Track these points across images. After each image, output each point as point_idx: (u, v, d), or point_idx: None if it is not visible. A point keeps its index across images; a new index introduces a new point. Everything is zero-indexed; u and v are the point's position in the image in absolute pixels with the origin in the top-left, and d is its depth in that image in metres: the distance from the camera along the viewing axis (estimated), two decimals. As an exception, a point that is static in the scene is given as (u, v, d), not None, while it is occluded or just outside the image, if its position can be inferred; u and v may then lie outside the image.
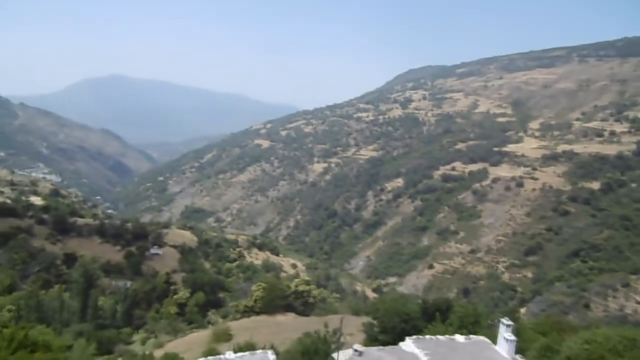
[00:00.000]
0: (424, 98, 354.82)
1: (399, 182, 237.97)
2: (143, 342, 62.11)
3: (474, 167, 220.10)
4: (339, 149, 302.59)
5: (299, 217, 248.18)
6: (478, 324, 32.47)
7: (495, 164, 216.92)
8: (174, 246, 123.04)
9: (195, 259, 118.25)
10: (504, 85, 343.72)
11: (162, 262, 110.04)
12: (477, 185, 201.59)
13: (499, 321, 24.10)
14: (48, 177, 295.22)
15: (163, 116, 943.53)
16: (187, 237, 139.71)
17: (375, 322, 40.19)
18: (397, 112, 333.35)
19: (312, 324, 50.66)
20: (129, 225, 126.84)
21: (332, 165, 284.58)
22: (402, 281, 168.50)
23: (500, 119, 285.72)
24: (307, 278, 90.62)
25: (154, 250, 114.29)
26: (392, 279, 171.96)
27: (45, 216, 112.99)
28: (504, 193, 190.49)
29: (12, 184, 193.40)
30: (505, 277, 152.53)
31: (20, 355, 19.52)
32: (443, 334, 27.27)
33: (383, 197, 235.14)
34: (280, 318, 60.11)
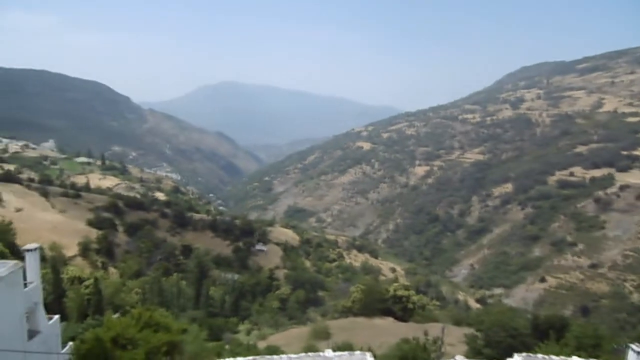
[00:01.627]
0: (539, 97, 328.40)
1: (508, 187, 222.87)
2: (248, 333, 65.82)
3: (596, 172, 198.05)
4: (442, 151, 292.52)
5: (399, 220, 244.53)
6: (599, 347, 29.24)
7: (624, 169, 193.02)
8: (277, 243, 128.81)
9: (297, 257, 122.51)
10: (637, 80, 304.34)
11: (266, 258, 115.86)
12: (601, 192, 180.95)
13: (627, 346, 21.37)
14: (170, 175, 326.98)
15: (270, 119, 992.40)
16: (290, 236, 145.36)
17: (479, 334, 38.24)
18: (507, 112, 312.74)
19: (410, 330, 49.62)
20: (238, 222, 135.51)
21: (435, 168, 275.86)
22: (509, 293, 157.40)
23: (631, 119, 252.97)
24: (406, 283, 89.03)
25: (259, 246, 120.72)
26: (497, 290, 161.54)
27: (167, 210, 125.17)
28: (634, 202, 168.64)
29: (141, 180, 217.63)
30: (635, 297, 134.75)
31: (145, 334, 21.85)
32: (557, 354, 24.94)
33: (489, 202, 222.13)
34: (378, 321, 59.67)
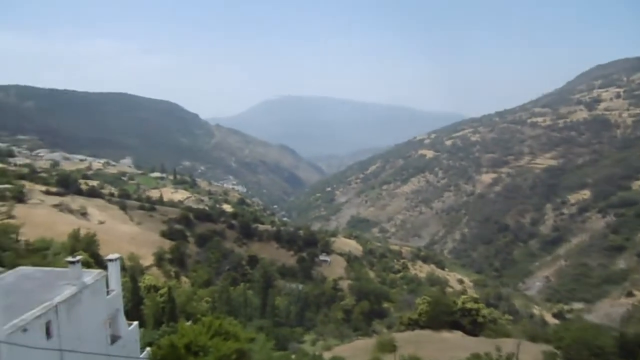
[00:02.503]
0: (618, 96, 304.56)
1: (585, 194, 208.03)
2: (313, 343, 66.12)
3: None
4: (510, 157, 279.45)
5: (465, 230, 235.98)
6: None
7: None
8: (340, 254, 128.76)
9: (361, 268, 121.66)
10: None
11: (330, 268, 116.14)
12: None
13: None
14: (236, 187, 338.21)
15: (330, 130, 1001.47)
16: (353, 246, 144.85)
17: (558, 352, 35.81)
18: (582, 114, 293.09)
19: (481, 345, 47.48)
20: (301, 232, 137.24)
21: (503, 175, 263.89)
22: (591, 308, 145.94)
23: None
24: (475, 295, 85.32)
25: (322, 257, 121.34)
26: (577, 305, 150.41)
27: (234, 222, 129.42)
28: None
29: (209, 193, 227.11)
30: None
31: (216, 341, 22.68)
32: (650, 376, 22.75)
33: (565, 210, 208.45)
34: (445, 335, 57.59)
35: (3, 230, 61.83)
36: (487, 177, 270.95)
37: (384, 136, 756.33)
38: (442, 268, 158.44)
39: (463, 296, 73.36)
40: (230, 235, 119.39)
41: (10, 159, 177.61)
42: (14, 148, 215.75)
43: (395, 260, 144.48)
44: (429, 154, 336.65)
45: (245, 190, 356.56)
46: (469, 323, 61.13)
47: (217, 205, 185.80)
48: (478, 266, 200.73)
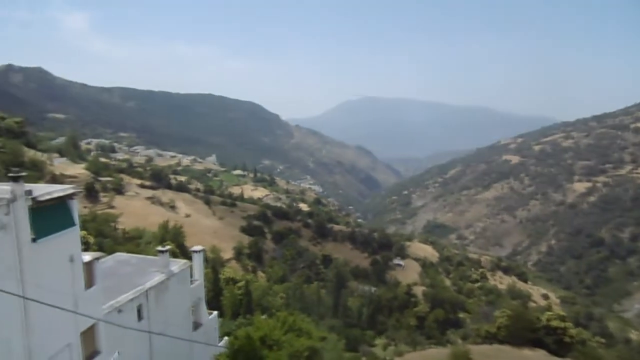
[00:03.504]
0: None
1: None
2: (384, 348, 65.38)
3: None
4: (608, 166, 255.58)
5: (553, 242, 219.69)
6: None
7: None
8: (415, 259, 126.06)
9: (436, 275, 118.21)
10: None
11: (403, 273, 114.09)
12: None
13: None
14: (313, 187, 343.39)
15: (409, 132, 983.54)
16: (429, 252, 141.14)
17: (658, 383, 32.21)
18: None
19: (567, 367, 44.01)
20: (376, 235, 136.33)
21: (599, 185, 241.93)
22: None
23: None
24: (562, 313, 79.22)
25: (397, 260, 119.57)
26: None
27: (309, 221, 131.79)
28: None
29: (287, 192, 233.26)
30: None
31: (289, 337, 23.24)
32: None
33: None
34: (527, 352, 53.97)
35: (105, 219, 68.42)
36: (580, 186, 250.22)
37: (464, 139, 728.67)
38: (525, 281, 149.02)
39: (548, 313, 68.44)
40: (305, 234, 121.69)
41: (112, 154, 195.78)
42: (115, 144, 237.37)
43: (473, 269, 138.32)
44: (514, 159, 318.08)
45: (321, 190, 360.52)
46: (554, 342, 56.74)
47: (294, 204, 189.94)
48: (566, 282, 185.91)
